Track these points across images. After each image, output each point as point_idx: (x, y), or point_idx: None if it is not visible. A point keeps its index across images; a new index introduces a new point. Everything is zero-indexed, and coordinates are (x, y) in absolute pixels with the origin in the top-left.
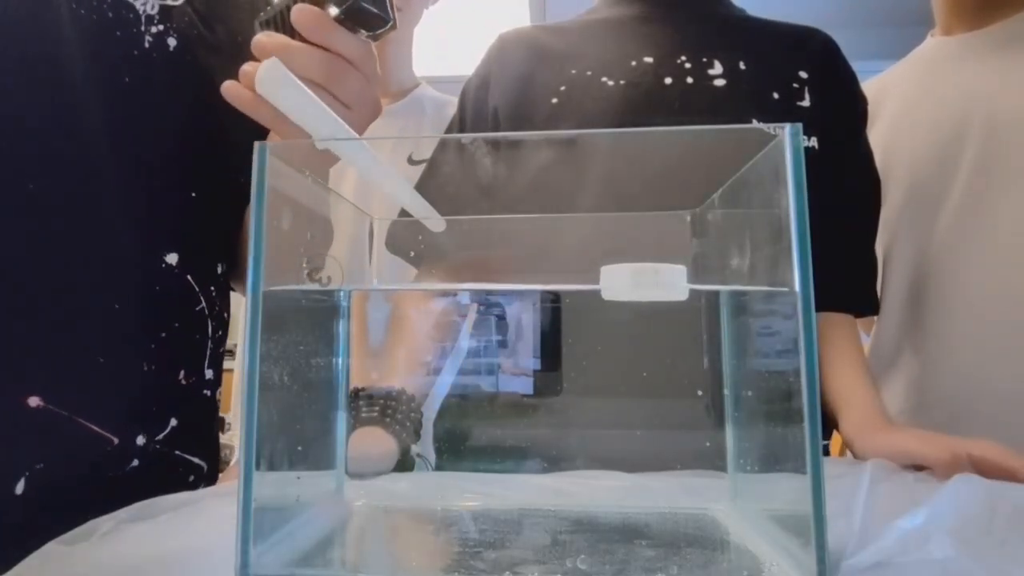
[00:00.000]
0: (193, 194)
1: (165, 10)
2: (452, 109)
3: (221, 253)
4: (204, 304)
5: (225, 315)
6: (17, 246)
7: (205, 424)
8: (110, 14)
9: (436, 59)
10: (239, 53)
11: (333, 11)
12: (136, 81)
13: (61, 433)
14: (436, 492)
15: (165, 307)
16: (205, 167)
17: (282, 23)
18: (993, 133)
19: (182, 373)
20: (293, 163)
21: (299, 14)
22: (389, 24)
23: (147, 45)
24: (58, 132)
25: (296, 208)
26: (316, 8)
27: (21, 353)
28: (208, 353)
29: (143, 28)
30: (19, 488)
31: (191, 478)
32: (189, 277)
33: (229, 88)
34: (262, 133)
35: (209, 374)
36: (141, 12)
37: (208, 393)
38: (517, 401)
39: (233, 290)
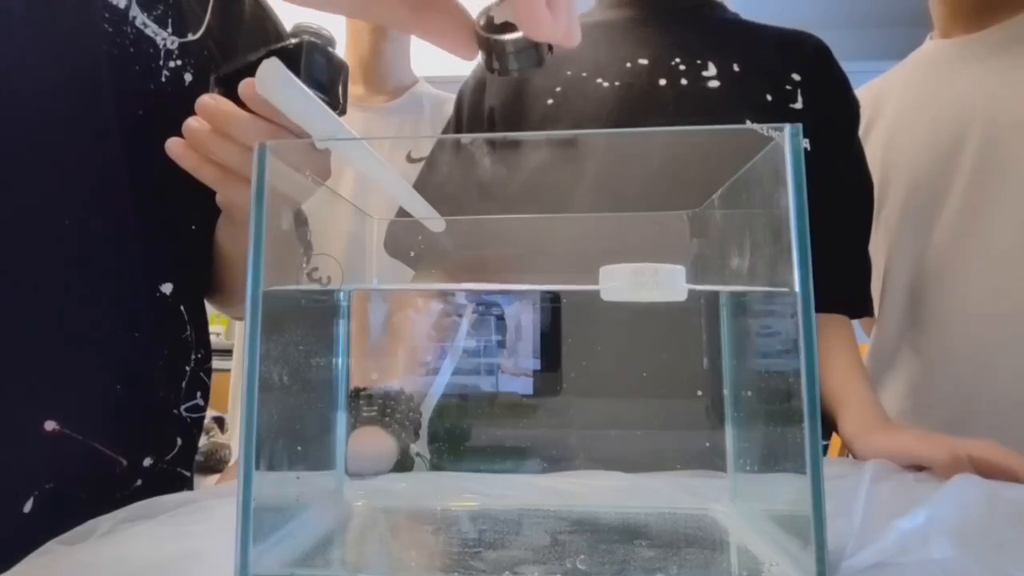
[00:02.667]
0: (193, 227)
1: (184, 46)
2: (451, 106)
3: (206, 278)
4: (189, 331)
5: (206, 337)
6: (34, 275)
7: (194, 444)
8: (131, 49)
9: (435, 58)
10: None
11: None
12: (149, 115)
13: (73, 455)
14: (436, 492)
15: (161, 336)
16: (207, 198)
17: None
18: (992, 135)
19: (175, 397)
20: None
21: (246, 88)
22: (338, 110)
23: (163, 79)
24: (74, 163)
25: (296, 208)
26: None
27: (40, 378)
28: (191, 377)
29: (161, 63)
30: (27, 507)
31: (176, 485)
32: (181, 307)
33: (173, 146)
34: None
35: (196, 396)
36: (161, 47)
37: (194, 416)
38: (517, 401)
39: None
